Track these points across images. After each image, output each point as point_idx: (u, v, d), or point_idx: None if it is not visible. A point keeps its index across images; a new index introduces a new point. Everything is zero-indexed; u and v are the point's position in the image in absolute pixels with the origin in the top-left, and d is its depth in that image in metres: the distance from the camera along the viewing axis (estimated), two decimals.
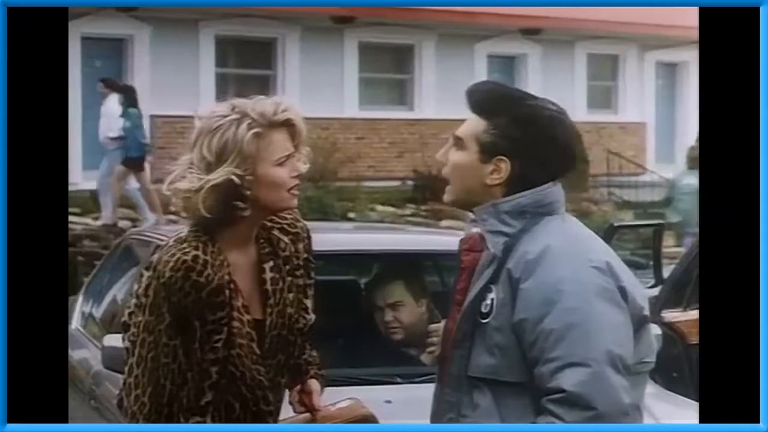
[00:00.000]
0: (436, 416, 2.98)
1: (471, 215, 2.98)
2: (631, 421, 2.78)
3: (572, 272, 2.79)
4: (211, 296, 3.01)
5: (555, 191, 2.94)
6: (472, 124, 2.94)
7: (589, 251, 2.85)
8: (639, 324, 2.86)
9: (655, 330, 4.85)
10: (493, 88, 3.00)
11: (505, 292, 2.83)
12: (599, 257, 2.84)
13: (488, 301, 2.85)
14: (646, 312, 2.89)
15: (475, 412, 2.86)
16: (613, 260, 2.87)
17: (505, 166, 2.90)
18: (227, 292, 3.03)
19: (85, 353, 5.64)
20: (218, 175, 2.99)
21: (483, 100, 2.95)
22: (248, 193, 3.02)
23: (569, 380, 2.71)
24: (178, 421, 3.04)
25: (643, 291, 2.93)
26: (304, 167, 3.12)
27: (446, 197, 3.01)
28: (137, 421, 3.03)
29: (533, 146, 2.89)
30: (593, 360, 2.71)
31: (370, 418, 3.23)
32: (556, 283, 2.77)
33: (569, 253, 2.82)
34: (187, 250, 3.01)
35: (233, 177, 2.99)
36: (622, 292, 2.82)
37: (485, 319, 2.85)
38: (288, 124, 3.08)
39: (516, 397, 2.81)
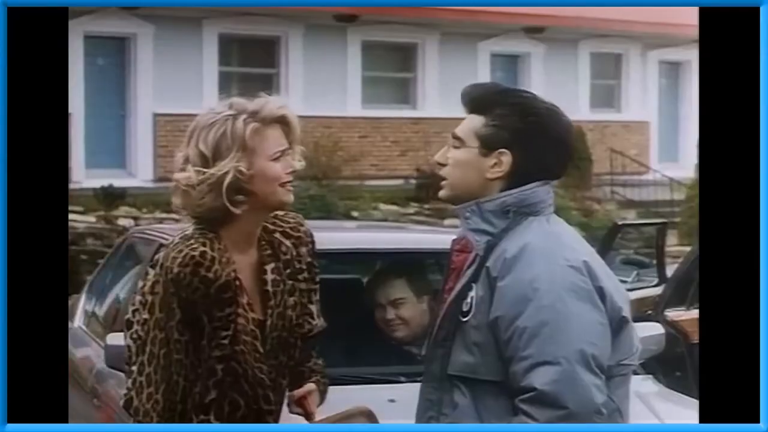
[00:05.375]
0: (418, 415, 2.98)
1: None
2: (607, 421, 2.77)
3: (548, 270, 2.78)
4: (219, 292, 3.01)
5: (541, 191, 2.93)
6: (470, 121, 2.95)
7: (567, 250, 2.84)
8: (618, 325, 2.85)
9: (658, 329, 4.89)
10: (488, 86, 3.03)
11: (484, 290, 2.83)
12: (576, 256, 2.83)
13: (468, 300, 2.86)
14: (626, 313, 2.87)
15: (455, 411, 2.86)
16: (593, 260, 2.87)
17: (506, 159, 2.90)
18: (234, 288, 3.04)
19: (88, 351, 5.64)
20: (221, 169, 3.00)
21: (479, 96, 2.97)
22: (247, 187, 3.04)
23: (540, 379, 2.71)
24: (190, 419, 3.04)
25: (624, 293, 2.92)
26: (299, 164, 3.14)
27: (442, 192, 3.00)
28: (150, 420, 3.03)
29: (534, 137, 2.89)
30: (564, 358, 2.71)
31: (364, 410, 3.23)
32: (531, 282, 2.77)
33: (546, 252, 2.82)
34: (195, 246, 3.01)
35: (236, 172, 3.00)
36: (600, 292, 2.81)
37: (465, 317, 2.85)
38: (282, 121, 3.11)
39: (494, 396, 2.81)
